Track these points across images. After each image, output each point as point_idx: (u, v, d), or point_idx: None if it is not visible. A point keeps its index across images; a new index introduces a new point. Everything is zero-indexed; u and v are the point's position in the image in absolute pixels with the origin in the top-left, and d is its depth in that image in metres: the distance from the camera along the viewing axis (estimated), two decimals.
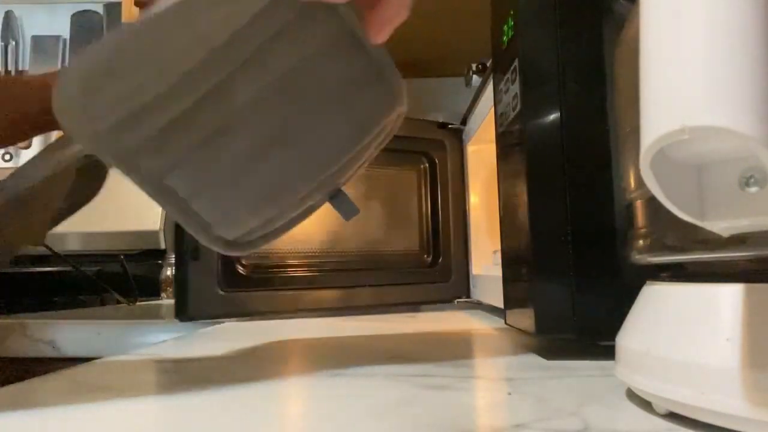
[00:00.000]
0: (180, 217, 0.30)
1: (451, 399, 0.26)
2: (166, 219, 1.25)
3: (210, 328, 0.60)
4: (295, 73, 0.31)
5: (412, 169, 0.89)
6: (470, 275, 0.83)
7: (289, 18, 0.30)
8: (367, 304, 0.75)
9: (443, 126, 0.89)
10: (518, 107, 0.38)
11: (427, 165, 0.89)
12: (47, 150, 0.37)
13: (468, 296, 0.85)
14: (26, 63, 1.43)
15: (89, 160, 0.37)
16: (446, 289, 0.84)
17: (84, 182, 0.44)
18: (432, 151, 0.88)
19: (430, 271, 0.85)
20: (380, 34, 0.35)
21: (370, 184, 0.92)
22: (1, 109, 0.44)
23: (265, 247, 0.44)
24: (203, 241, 0.31)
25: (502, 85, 0.42)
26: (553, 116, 0.35)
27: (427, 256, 0.85)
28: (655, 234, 0.25)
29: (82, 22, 1.45)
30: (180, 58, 0.29)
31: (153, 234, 1.27)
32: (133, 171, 0.28)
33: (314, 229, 0.89)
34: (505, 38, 0.41)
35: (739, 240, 0.19)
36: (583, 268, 0.34)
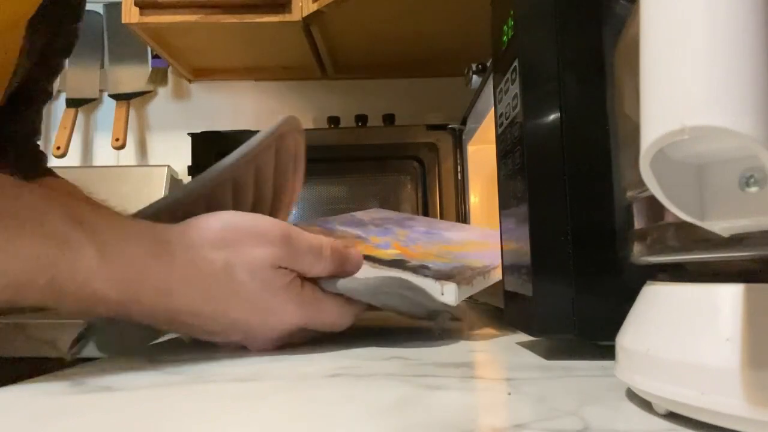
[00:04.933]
0: None
1: (451, 399, 0.26)
2: None
3: None
4: None
5: (403, 173, 0.90)
6: None
7: None
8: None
9: (433, 127, 0.89)
10: (518, 107, 0.38)
11: (418, 168, 0.89)
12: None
13: None
14: None
15: None
16: None
17: None
18: (423, 155, 0.89)
19: None
20: None
21: (362, 190, 0.93)
22: None
23: None
24: None
25: (502, 85, 0.42)
26: (553, 116, 0.35)
27: None
28: (655, 234, 0.25)
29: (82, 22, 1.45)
30: None
31: None
32: None
33: None
34: (505, 38, 0.41)
35: (739, 240, 0.19)
36: (583, 268, 0.34)
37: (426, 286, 0.42)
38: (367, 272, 0.43)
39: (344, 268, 0.41)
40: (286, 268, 0.39)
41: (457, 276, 0.44)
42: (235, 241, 0.38)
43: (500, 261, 0.51)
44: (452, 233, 0.63)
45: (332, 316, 0.41)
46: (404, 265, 0.46)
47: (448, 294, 0.42)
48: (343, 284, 0.40)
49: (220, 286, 0.37)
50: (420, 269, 0.45)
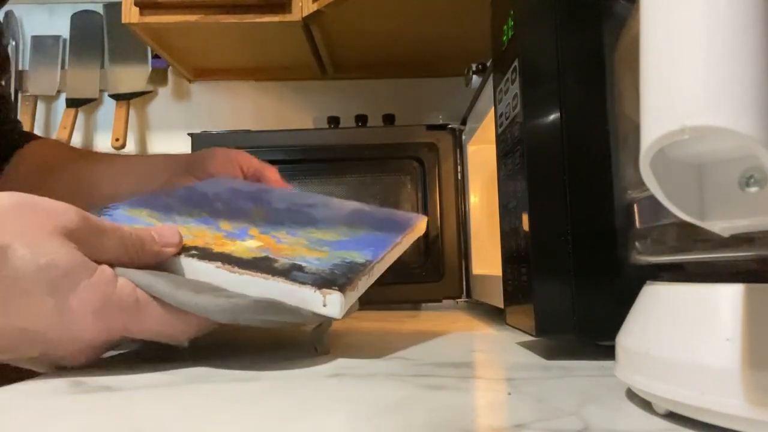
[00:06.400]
0: None
1: (451, 399, 0.26)
2: None
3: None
4: None
5: (402, 173, 0.90)
6: (470, 275, 0.83)
7: None
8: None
9: (433, 127, 0.89)
10: (518, 107, 0.38)
11: (418, 168, 0.89)
12: None
13: (461, 296, 0.85)
14: (26, 63, 1.43)
15: None
16: (437, 288, 0.84)
17: None
18: (423, 155, 0.89)
19: (419, 271, 0.85)
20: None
21: (362, 190, 0.93)
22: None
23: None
24: None
25: (502, 85, 0.42)
26: (553, 116, 0.35)
27: (418, 257, 0.85)
28: (655, 234, 0.25)
29: (82, 22, 1.45)
30: None
31: None
32: None
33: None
34: (505, 38, 0.41)
35: (739, 240, 0.19)
36: (583, 268, 0.34)
37: (303, 296, 0.35)
38: (226, 278, 0.36)
39: (139, 255, 0.35)
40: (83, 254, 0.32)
41: (339, 279, 0.36)
42: (13, 217, 0.30)
43: (385, 250, 0.44)
44: (318, 211, 0.52)
45: (159, 324, 0.33)
46: (272, 267, 0.37)
47: (331, 305, 0.34)
48: (186, 299, 0.33)
49: None
50: (293, 272, 0.36)
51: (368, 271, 0.40)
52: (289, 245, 0.42)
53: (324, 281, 0.36)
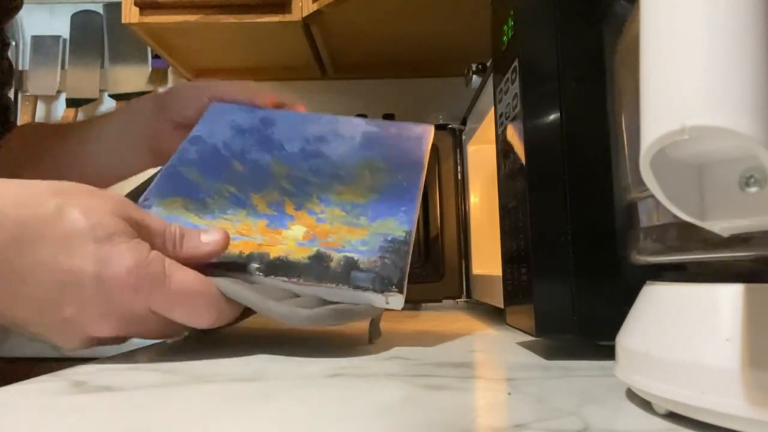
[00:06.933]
0: None
1: (451, 399, 0.26)
2: None
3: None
4: None
5: None
6: (470, 275, 0.83)
7: None
8: None
9: (434, 127, 0.89)
10: (518, 107, 0.38)
11: None
12: None
13: (461, 296, 0.85)
14: (26, 63, 1.43)
15: None
16: (437, 288, 0.84)
17: None
18: None
19: (419, 271, 0.85)
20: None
21: None
22: None
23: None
24: None
25: (502, 85, 0.42)
26: (553, 116, 0.35)
27: (418, 257, 0.85)
28: (655, 234, 0.25)
29: (82, 22, 1.45)
30: None
31: None
32: None
33: None
34: (505, 38, 0.41)
35: (739, 240, 0.19)
36: (583, 268, 0.34)
37: (367, 298, 0.40)
38: (296, 289, 0.40)
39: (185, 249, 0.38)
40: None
41: (394, 276, 0.40)
42: (72, 192, 0.35)
43: (415, 207, 0.46)
44: (331, 148, 0.52)
45: (182, 299, 0.35)
46: (330, 269, 0.40)
47: (394, 303, 0.40)
48: (273, 307, 0.36)
49: (49, 230, 0.33)
50: (352, 272, 0.40)
51: (409, 242, 0.44)
52: (330, 223, 0.45)
53: (382, 282, 0.40)
